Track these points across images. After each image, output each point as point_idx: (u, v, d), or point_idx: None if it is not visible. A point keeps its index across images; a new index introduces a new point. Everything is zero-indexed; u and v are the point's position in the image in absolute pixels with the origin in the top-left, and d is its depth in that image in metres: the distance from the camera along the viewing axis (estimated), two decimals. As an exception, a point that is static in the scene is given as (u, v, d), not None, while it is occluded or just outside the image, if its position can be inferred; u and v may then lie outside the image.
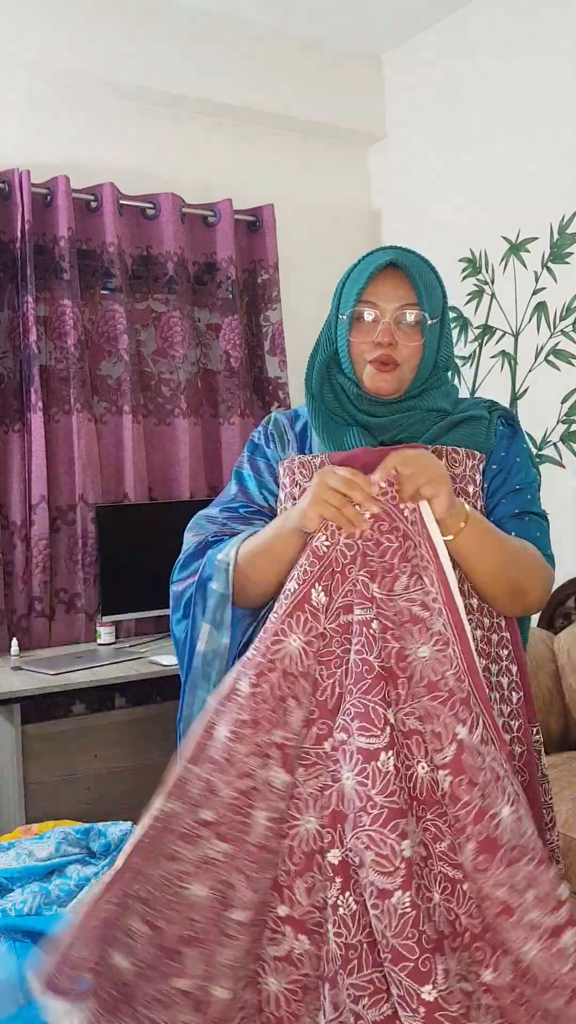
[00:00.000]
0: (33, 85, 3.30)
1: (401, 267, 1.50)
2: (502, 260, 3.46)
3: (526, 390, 3.38)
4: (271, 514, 1.58)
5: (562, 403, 3.24)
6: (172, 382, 3.51)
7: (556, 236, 3.24)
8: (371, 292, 1.50)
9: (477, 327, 3.56)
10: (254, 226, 3.70)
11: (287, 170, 3.85)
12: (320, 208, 3.95)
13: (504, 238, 3.44)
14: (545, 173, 3.26)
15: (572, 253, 3.19)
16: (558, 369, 3.25)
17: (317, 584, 1.36)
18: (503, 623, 1.50)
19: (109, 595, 3.21)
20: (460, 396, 1.63)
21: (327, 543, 1.37)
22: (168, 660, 2.95)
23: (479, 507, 1.50)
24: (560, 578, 3.23)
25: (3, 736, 2.80)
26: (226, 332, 3.59)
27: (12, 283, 3.21)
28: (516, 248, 3.40)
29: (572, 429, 3.22)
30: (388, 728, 1.30)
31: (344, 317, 1.52)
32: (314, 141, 3.92)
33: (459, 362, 3.65)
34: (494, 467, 1.54)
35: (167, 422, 3.50)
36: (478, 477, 1.51)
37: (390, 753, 1.29)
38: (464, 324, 3.62)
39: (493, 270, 3.49)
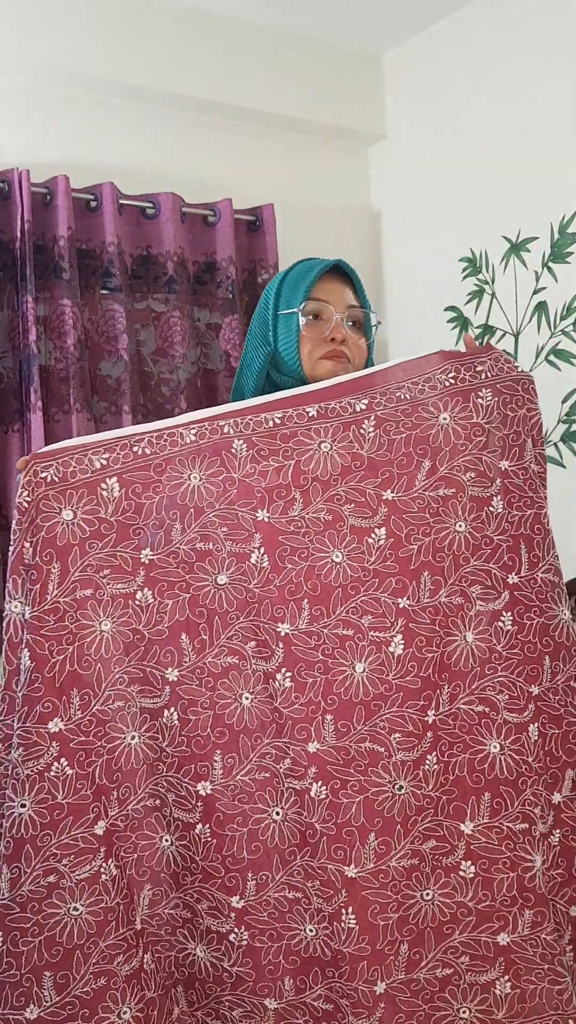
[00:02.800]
0: (32, 85, 3.29)
1: (346, 271, 1.64)
2: (502, 260, 3.45)
3: (526, 390, 3.38)
4: None
5: (562, 403, 3.23)
6: (172, 382, 3.50)
7: (557, 236, 3.23)
8: (319, 290, 1.59)
9: (477, 327, 3.56)
10: (254, 226, 3.70)
11: (287, 170, 3.85)
12: (320, 208, 3.94)
13: (504, 238, 3.44)
14: (545, 173, 3.25)
15: (573, 253, 3.18)
16: (558, 369, 3.25)
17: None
18: None
19: (109, 595, 3.20)
20: None
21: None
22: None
23: None
24: (560, 578, 3.23)
25: (2, 736, 2.79)
26: (226, 332, 3.58)
27: (11, 283, 3.21)
28: (516, 248, 3.40)
29: (572, 429, 3.21)
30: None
31: (297, 310, 1.57)
32: (314, 141, 3.92)
33: (459, 362, 3.64)
34: None
35: (167, 422, 3.50)
36: None
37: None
38: (464, 324, 3.62)
39: (493, 270, 3.49)
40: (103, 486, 1.43)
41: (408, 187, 3.89)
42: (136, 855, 1.42)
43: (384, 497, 1.47)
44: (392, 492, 1.48)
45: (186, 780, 1.43)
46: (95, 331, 3.39)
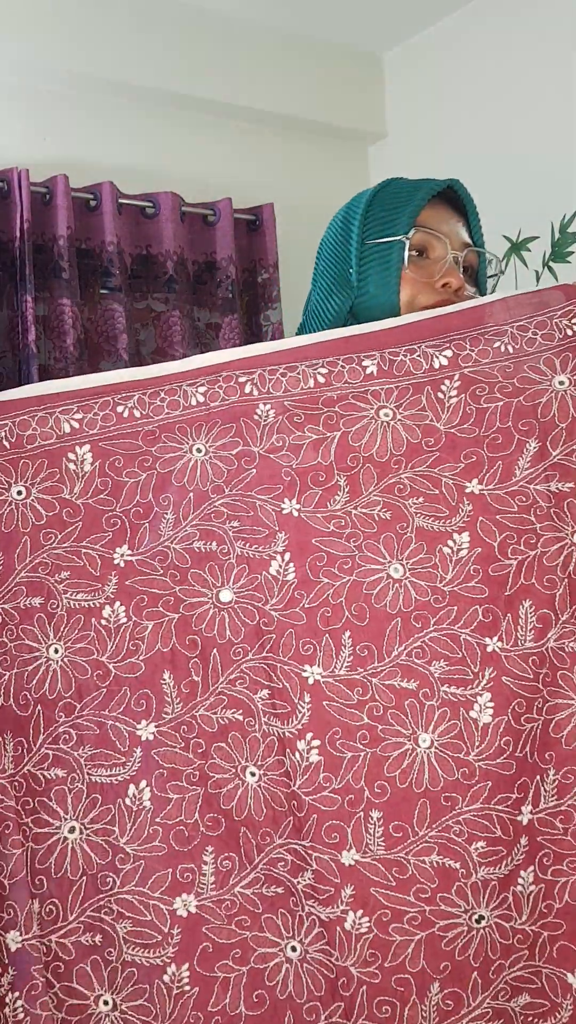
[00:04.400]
0: (32, 84, 3.29)
1: (462, 198, 1.23)
2: (503, 260, 3.45)
3: (527, 390, 3.38)
4: None
5: (563, 403, 3.23)
6: (171, 382, 3.50)
7: (557, 235, 3.23)
8: (429, 218, 1.17)
9: (477, 327, 3.55)
10: (254, 225, 3.69)
11: (287, 170, 3.84)
12: (320, 208, 3.91)
13: (504, 237, 3.43)
14: (546, 172, 3.25)
15: (573, 252, 3.18)
16: (559, 369, 3.24)
17: None
18: None
19: (108, 596, 3.19)
20: None
21: None
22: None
23: None
24: (561, 579, 3.22)
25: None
26: (226, 332, 3.57)
27: (11, 282, 3.20)
28: (517, 247, 3.39)
29: (573, 429, 3.21)
30: None
31: (404, 238, 1.13)
32: (314, 141, 3.91)
33: (459, 362, 3.64)
34: None
35: (166, 422, 3.49)
36: None
37: None
38: (464, 324, 3.61)
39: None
40: (70, 456, 1.05)
41: (408, 187, 3.89)
42: None
43: (468, 490, 1.03)
44: (481, 483, 1.04)
45: (155, 895, 0.95)
46: (95, 331, 3.38)
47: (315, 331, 1.19)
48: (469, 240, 1.25)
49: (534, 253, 3.33)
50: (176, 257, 3.46)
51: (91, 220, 3.35)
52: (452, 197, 1.23)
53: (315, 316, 1.23)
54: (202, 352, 3.59)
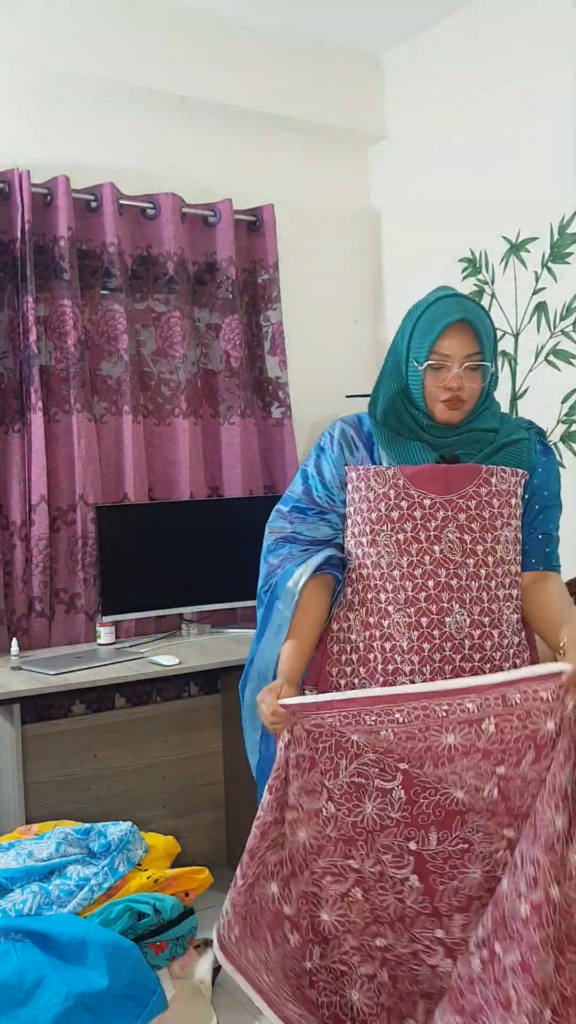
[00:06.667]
0: (33, 85, 3.30)
1: (470, 324, 1.76)
2: (502, 260, 3.46)
3: (526, 390, 3.38)
4: (331, 511, 1.90)
5: (562, 403, 3.24)
6: (172, 382, 3.51)
7: (556, 236, 3.24)
8: (442, 345, 1.76)
9: (477, 327, 3.56)
10: (254, 226, 3.71)
11: (287, 170, 3.85)
12: (320, 208, 3.95)
13: (504, 238, 3.44)
14: (545, 173, 3.26)
15: (572, 253, 3.19)
16: (558, 369, 3.25)
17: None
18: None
19: (109, 595, 3.21)
20: (501, 412, 1.96)
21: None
22: (167, 660, 2.95)
23: (519, 515, 1.84)
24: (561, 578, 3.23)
25: (3, 736, 2.80)
26: (226, 332, 3.59)
27: (12, 283, 3.21)
28: (516, 248, 3.40)
29: (572, 429, 3.22)
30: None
31: (420, 368, 1.78)
32: (314, 141, 3.92)
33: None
34: (535, 481, 1.88)
35: (167, 422, 3.50)
36: (520, 491, 1.84)
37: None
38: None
39: (493, 270, 3.49)
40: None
41: (408, 187, 3.90)
42: None
43: (497, 771, 1.68)
44: (503, 767, 1.67)
45: None
46: (95, 331, 3.39)
47: (385, 392, 1.86)
48: (474, 349, 1.76)
49: (533, 254, 3.34)
50: (176, 258, 3.47)
51: (92, 221, 3.36)
52: (469, 322, 1.76)
53: (383, 382, 1.87)
54: (202, 352, 3.61)
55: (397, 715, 1.69)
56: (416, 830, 1.73)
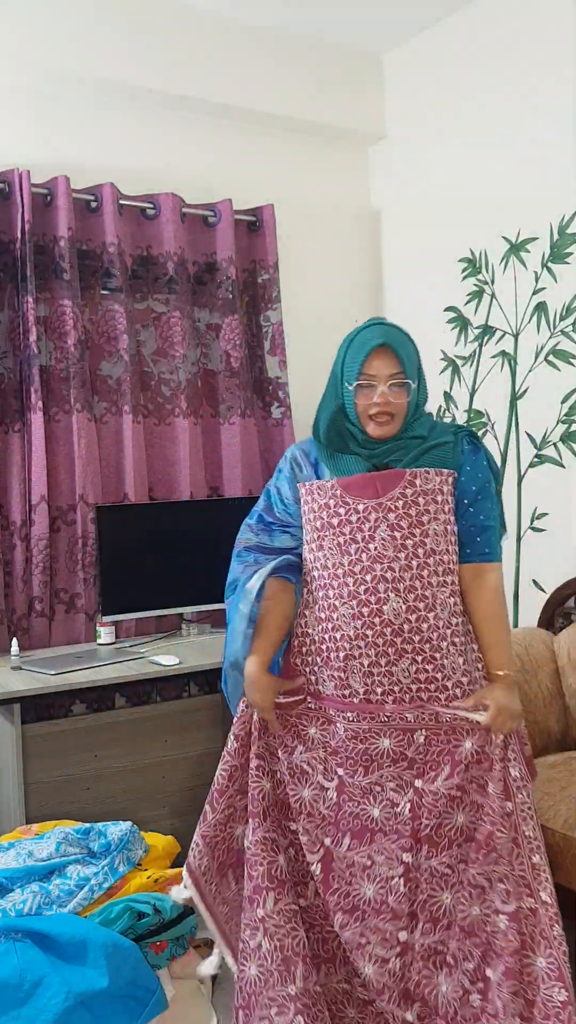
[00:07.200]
0: (33, 85, 3.30)
1: (391, 347, 2.00)
2: (502, 260, 3.46)
3: (526, 390, 3.38)
4: (292, 524, 2.16)
5: (562, 403, 3.24)
6: (172, 382, 3.51)
7: (556, 236, 3.24)
8: (369, 367, 2.01)
9: (477, 327, 3.56)
10: (254, 226, 3.71)
11: (287, 170, 3.85)
12: (320, 208, 3.95)
13: (504, 238, 3.44)
14: (545, 173, 3.26)
15: (572, 253, 3.19)
16: (558, 369, 3.25)
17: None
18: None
19: (109, 595, 3.21)
20: (437, 420, 2.21)
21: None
22: (167, 660, 2.95)
23: (447, 511, 2.03)
24: (560, 578, 3.24)
25: (3, 736, 2.80)
26: (226, 332, 3.59)
27: (12, 283, 3.21)
28: (516, 248, 3.40)
29: (572, 429, 3.22)
30: None
31: (351, 388, 2.03)
32: (314, 141, 3.92)
33: (459, 362, 3.65)
34: (463, 479, 2.06)
35: (167, 422, 3.50)
36: (446, 488, 2.03)
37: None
38: (464, 324, 3.62)
39: (493, 270, 3.49)
40: None
41: (408, 187, 3.90)
42: None
43: (415, 784, 2.01)
44: (421, 780, 1.99)
45: None
46: (95, 331, 3.39)
47: (325, 413, 2.09)
48: (397, 369, 2.01)
49: (533, 254, 3.34)
50: (176, 258, 3.47)
51: (92, 221, 3.36)
52: (389, 345, 2.01)
53: (325, 404, 2.11)
54: (202, 352, 3.61)
55: (350, 713, 1.99)
56: (335, 830, 2.01)
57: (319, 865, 2.01)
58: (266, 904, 1.96)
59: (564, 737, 2.92)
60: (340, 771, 2.02)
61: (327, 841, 2.02)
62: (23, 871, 2.26)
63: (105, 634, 3.20)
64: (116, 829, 2.42)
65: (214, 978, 2.37)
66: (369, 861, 1.98)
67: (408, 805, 1.96)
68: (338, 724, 2.02)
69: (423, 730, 1.96)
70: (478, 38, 3.48)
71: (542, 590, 3.32)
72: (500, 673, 2.02)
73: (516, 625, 3.42)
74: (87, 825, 2.46)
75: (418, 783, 1.96)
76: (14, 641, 2.95)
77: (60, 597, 3.29)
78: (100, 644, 3.20)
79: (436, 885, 1.96)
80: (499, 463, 3.47)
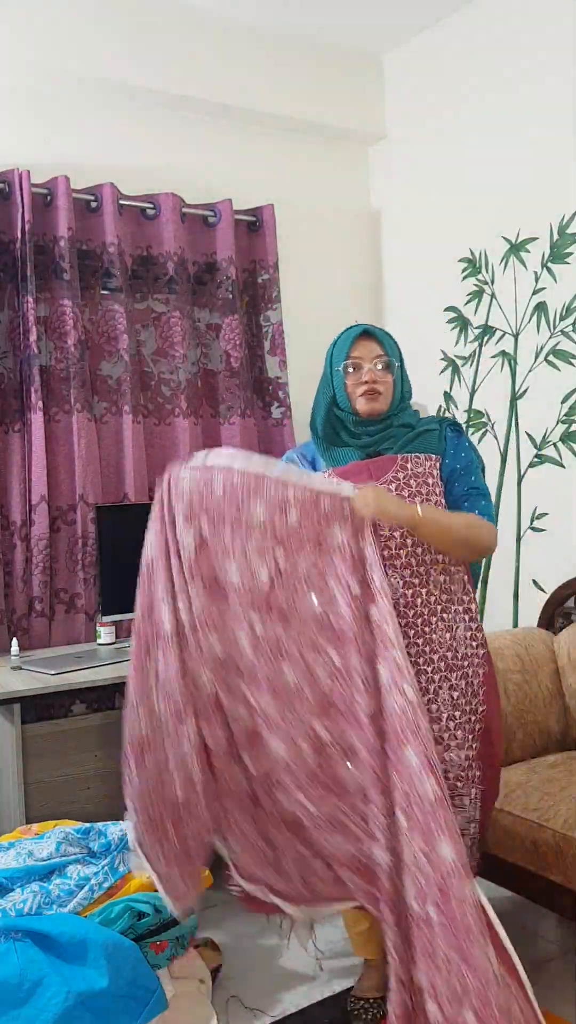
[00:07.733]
0: (33, 85, 3.30)
1: (372, 334, 2.20)
2: (502, 260, 3.46)
3: (526, 390, 3.38)
4: None
5: (562, 403, 3.24)
6: (172, 382, 3.51)
7: (556, 236, 3.24)
8: (355, 350, 2.19)
9: (477, 327, 3.56)
10: (254, 226, 3.71)
11: (287, 170, 3.85)
12: (320, 208, 3.95)
13: (504, 238, 3.44)
14: (545, 173, 3.26)
15: (572, 253, 3.19)
16: (558, 369, 3.25)
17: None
18: (461, 570, 2.17)
19: (109, 595, 3.21)
20: (427, 415, 2.48)
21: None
22: (168, 660, 2.94)
23: (439, 492, 2.15)
24: (560, 578, 3.24)
25: (3, 736, 2.80)
26: (226, 332, 3.59)
27: (12, 283, 3.21)
28: (516, 248, 3.40)
29: (572, 429, 3.22)
30: None
31: (340, 369, 2.19)
32: (314, 141, 3.93)
33: (459, 362, 3.65)
34: (447, 461, 2.19)
35: (167, 422, 3.50)
36: (435, 472, 2.16)
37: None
38: (464, 324, 3.62)
39: (493, 270, 3.49)
40: None
41: (408, 187, 3.90)
42: None
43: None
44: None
45: None
46: (95, 331, 3.39)
47: (319, 410, 2.24)
48: (381, 352, 2.19)
49: (533, 254, 3.34)
50: (176, 258, 3.47)
51: (92, 221, 3.36)
52: (370, 332, 2.20)
53: (318, 402, 2.25)
54: (202, 352, 3.61)
55: (236, 478, 2.00)
56: (194, 580, 2.14)
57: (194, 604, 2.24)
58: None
59: (564, 737, 2.92)
60: (204, 523, 2.10)
61: (193, 590, 2.21)
62: (23, 871, 2.26)
63: (105, 634, 3.20)
64: (116, 829, 2.42)
65: (214, 978, 2.37)
66: (221, 620, 2.10)
67: (265, 572, 2.01)
68: (218, 480, 2.07)
69: (298, 510, 1.99)
70: (478, 38, 3.48)
71: (542, 590, 3.32)
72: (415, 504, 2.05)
73: (516, 625, 3.42)
74: (87, 825, 2.46)
75: (279, 552, 2.00)
76: (14, 641, 2.95)
77: (60, 597, 3.29)
78: (100, 644, 3.20)
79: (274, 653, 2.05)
80: (499, 463, 3.48)
